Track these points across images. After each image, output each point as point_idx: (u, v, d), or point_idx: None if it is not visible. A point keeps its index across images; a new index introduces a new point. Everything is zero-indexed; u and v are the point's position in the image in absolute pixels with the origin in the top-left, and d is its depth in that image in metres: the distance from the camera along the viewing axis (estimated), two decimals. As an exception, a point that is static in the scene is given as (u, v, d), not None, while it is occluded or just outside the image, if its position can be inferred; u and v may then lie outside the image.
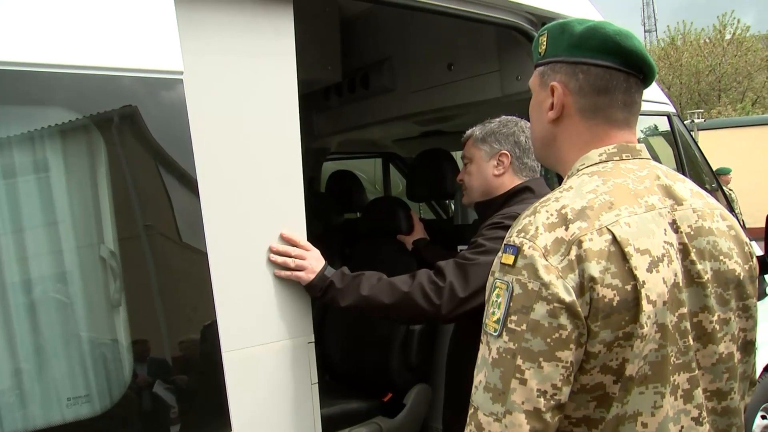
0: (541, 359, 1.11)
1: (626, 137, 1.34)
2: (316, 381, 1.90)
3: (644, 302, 1.13)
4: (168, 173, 1.47)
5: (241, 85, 1.73)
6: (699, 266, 1.24)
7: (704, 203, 1.32)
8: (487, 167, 2.31)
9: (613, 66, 1.29)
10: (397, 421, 3.03)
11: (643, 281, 1.14)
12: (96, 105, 1.38)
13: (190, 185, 1.47)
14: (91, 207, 1.40)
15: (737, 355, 1.32)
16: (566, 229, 1.16)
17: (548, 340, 1.11)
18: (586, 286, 1.12)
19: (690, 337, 1.22)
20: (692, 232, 1.26)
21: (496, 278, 1.19)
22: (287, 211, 1.84)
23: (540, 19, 2.58)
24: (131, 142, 1.44)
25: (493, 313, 1.17)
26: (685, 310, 1.21)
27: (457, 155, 3.93)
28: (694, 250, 1.24)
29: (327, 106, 3.89)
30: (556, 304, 1.11)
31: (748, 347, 1.36)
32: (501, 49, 2.99)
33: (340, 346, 3.27)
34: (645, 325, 1.13)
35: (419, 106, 3.54)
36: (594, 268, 1.12)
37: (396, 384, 3.11)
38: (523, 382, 1.11)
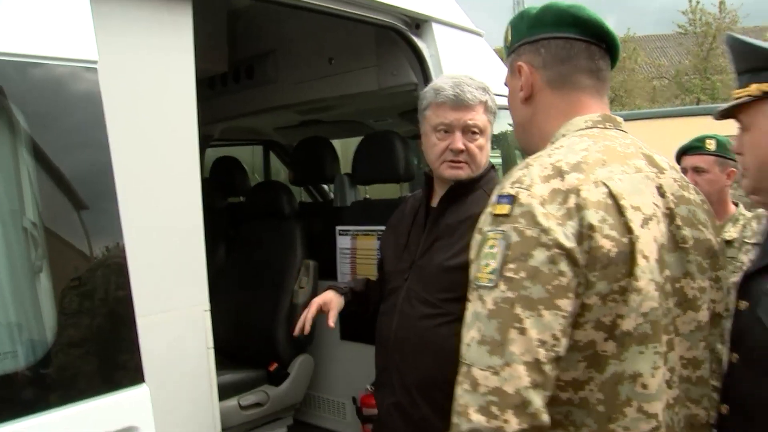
0: (541, 307, 1.08)
1: (602, 107, 1.37)
2: (212, 346, 2.08)
3: (639, 256, 1.13)
4: (85, 153, 1.61)
5: (142, 77, 1.86)
6: (684, 232, 1.25)
7: (680, 176, 1.35)
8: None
9: (572, 36, 1.34)
10: (282, 389, 3.26)
11: (638, 236, 1.14)
12: (16, 88, 1.50)
13: (105, 166, 1.61)
14: (14, 183, 1.53)
15: (708, 326, 1.30)
16: (562, 180, 1.15)
17: (548, 286, 1.08)
18: (585, 234, 1.11)
19: (670, 300, 1.21)
20: (675, 199, 1.27)
21: (487, 231, 1.16)
22: (186, 190, 1.99)
23: (414, 20, 2.85)
24: (50, 122, 1.57)
25: (486, 265, 1.13)
26: (669, 272, 1.21)
27: (337, 143, 4.18)
28: (678, 215, 1.25)
29: (212, 94, 4.00)
30: (555, 250, 1.09)
31: (715, 319, 1.33)
32: (378, 46, 3.22)
33: (228, 318, 3.43)
34: (640, 278, 1.13)
35: (301, 96, 3.72)
36: (593, 217, 1.12)
37: (281, 354, 3.33)
38: (523, 331, 1.07)
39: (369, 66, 3.29)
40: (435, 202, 2.17)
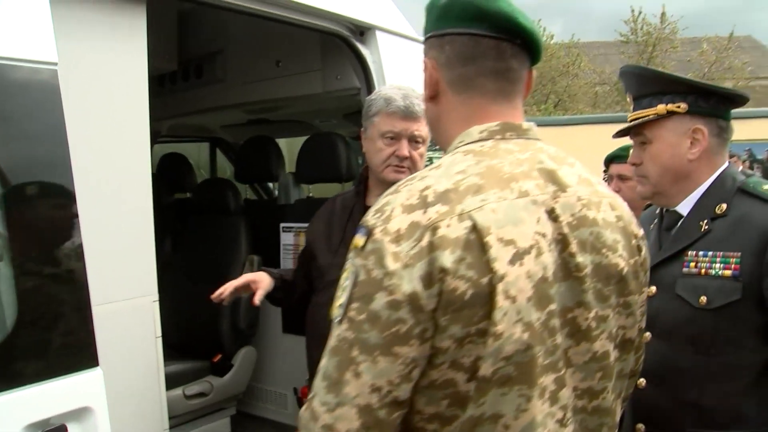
0: (377, 353, 1.03)
1: (508, 113, 1.22)
2: (160, 335, 2.19)
3: (500, 297, 1.03)
4: (45, 150, 1.71)
5: (97, 77, 1.96)
6: (578, 259, 1.14)
7: (592, 191, 1.21)
8: None
9: (479, 33, 1.18)
10: (226, 380, 3.38)
11: (503, 275, 1.03)
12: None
13: (65, 163, 1.71)
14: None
15: (613, 354, 1.22)
16: (424, 212, 1.05)
17: (385, 333, 1.02)
18: (435, 276, 1.02)
19: (558, 336, 1.12)
20: (574, 222, 1.15)
21: (349, 259, 1.10)
22: (137, 185, 2.09)
23: (358, 28, 2.99)
24: (12, 120, 1.66)
25: (339, 297, 1.09)
26: (554, 306, 1.10)
27: (283, 141, 4.29)
28: (575, 240, 1.14)
29: (161, 92, 4.05)
30: (397, 296, 1.02)
31: (626, 345, 1.26)
32: (324, 51, 3.35)
33: (173, 310, 3.51)
34: (500, 323, 1.03)
35: (248, 96, 3.82)
36: (447, 258, 1.02)
37: (225, 346, 3.45)
38: (358, 375, 1.03)
39: (314, 69, 3.41)
40: (371, 200, 2.34)
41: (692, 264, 1.70)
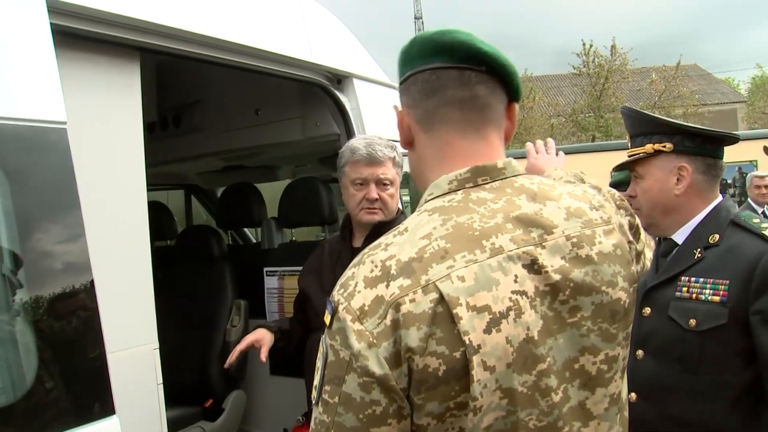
0: None
1: (479, 148, 1.15)
2: (161, 382, 2.24)
3: (478, 369, 0.96)
4: (57, 205, 1.78)
5: (97, 132, 2.05)
6: (572, 303, 1.07)
7: (583, 223, 1.13)
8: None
9: (440, 66, 1.13)
10: (218, 424, 3.40)
11: (478, 345, 0.97)
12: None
13: (77, 216, 1.79)
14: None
15: (624, 388, 1.18)
16: (387, 286, 0.99)
17: (361, 416, 0.97)
18: (402, 356, 0.96)
19: (554, 394, 1.04)
20: (567, 265, 1.07)
21: (323, 337, 1.05)
22: (137, 238, 2.15)
23: (336, 76, 3.12)
24: (27, 177, 1.73)
25: (315, 376, 1.06)
26: (544, 366, 1.03)
27: (265, 186, 4.36)
28: (571, 285, 1.06)
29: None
30: (365, 378, 0.96)
31: (624, 374, 1.20)
32: (303, 99, 3.46)
33: (162, 357, 3.53)
34: (480, 396, 0.97)
35: (227, 145, 3.90)
36: (413, 336, 0.96)
37: (215, 391, 3.48)
38: None
39: (294, 117, 3.52)
40: (357, 242, 2.53)
41: (684, 288, 1.83)
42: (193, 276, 3.81)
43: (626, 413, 1.21)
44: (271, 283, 3.69)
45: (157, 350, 2.22)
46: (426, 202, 1.14)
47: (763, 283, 1.70)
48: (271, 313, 3.66)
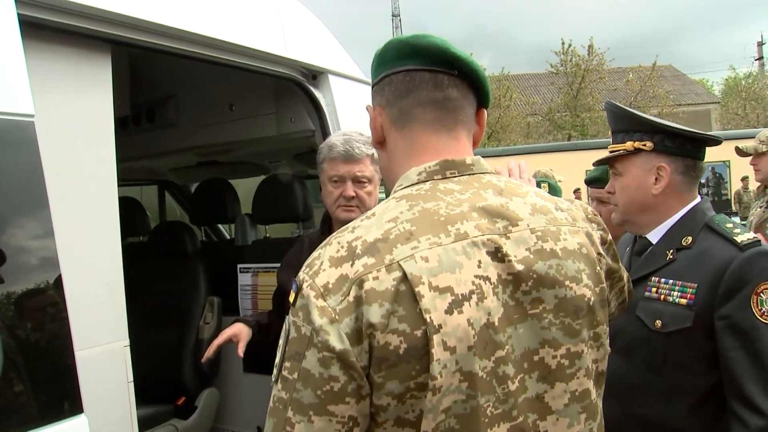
0: (311, 413, 0.99)
1: (449, 145, 1.19)
2: (132, 379, 2.21)
3: (438, 349, 0.98)
4: (24, 199, 1.74)
5: (66, 126, 2.02)
6: (534, 295, 1.08)
7: (548, 219, 1.15)
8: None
9: (413, 68, 1.18)
10: (190, 422, 3.38)
11: (439, 325, 0.98)
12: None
13: (44, 212, 1.75)
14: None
15: (594, 391, 1.17)
16: (352, 265, 1.02)
17: (319, 392, 0.99)
18: (364, 332, 0.98)
19: (511, 383, 1.05)
20: (531, 256, 1.09)
21: (287, 316, 1.08)
22: (108, 232, 2.12)
23: (311, 72, 3.10)
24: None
25: (276, 356, 1.07)
26: (503, 353, 1.04)
27: (239, 183, 4.33)
28: (534, 276, 1.08)
29: (111, 137, 4.04)
30: (326, 353, 0.98)
31: (600, 379, 1.21)
32: (277, 95, 3.44)
33: (133, 354, 3.50)
34: (439, 376, 0.98)
35: (201, 140, 3.88)
36: (375, 313, 0.98)
37: (188, 388, 3.45)
38: None
39: (268, 113, 3.50)
40: None
41: (654, 289, 1.84)
42: (166, 272, 3.77)
43: (598, 419, 1.19)
44: (244, 279, 3.66)
45: (128, 347, 2.19)
46: (395, 192, 1.18)
47: (730, 288, 1.71)
48: (245, 310, 3.63)
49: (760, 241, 1.79)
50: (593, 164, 2.34)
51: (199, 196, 4.10)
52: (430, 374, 0.98)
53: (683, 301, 1.77)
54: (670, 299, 1.79)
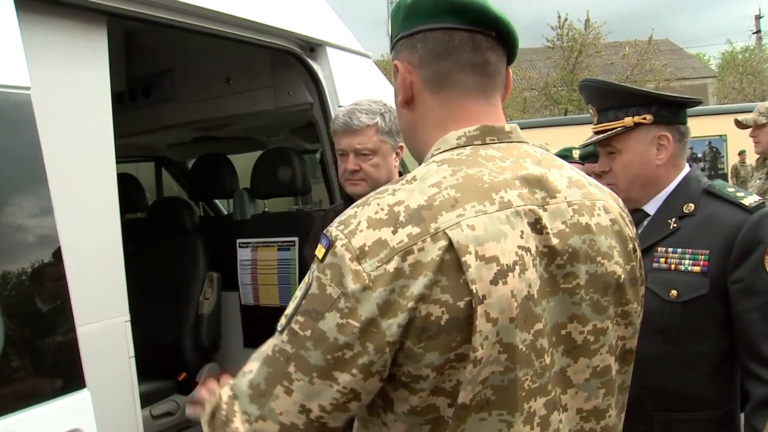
0: (315, 374, 0.96)
1: (488, 113, 1.14)
2: (133, 355, 2.21)
3: (481, 320, 0.95)
4: (23, 173, 1.72)
5: (63, 100, 1.99)
6: (568, 269, 1.06)
7: (583, 194, 1.13)
8: (394, 160, 2.45)
9: (451, 26, 1.11)
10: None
11: (483, 296, 0.95)
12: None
13: (43, 186, 1.73)
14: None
15: (615, 367, 1.15)
16: (394, 233, 0.97)
17: (329, 356, 0.95)
18: (401, 305, 0.94)
19: (547, 356, 1.04)
20: (567, 230, 1.07)
21: (312, 268, 1.02)
22: (105, 206, 2.10)
23: (308, 44, 3.06)
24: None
25: (289, 305, 1.03)
26: (540, 326, 1.02)
27: (237, 157, 4.31)
28: (569, 250, 1.06)
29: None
30: (350, 320, 0.94)
31: (627, 356, 1.20)
32: (275, 68, 3.40)
33: (133, 330, 3.50)
34: (480, 348, 0.95)
35: (198, 115, 3.83)
36: (418, 284, 0.94)
37: (188, 364, 3.45)
38: (289, 392, 0.98)
39: (266, 86, 3.46)
40: None
41: (662, 259, 1.83)
42: (165, 248, 3.77)
43: (615, 395, 1.17)
44: (244, 254, 3.65)
45: (129, 323, 2.18)
46: (433, 156, 1.12)
47: (743, 252, 1.71)
48: (244, 285, 3.62)
49: (765, 202, 1.79)
50: (581, 145, 2.27)
51: (197, 172, 4.07)
52: (472, 346, 0.95)
53: (696, 268, 1.76)
54: (682, 268, 1.79)
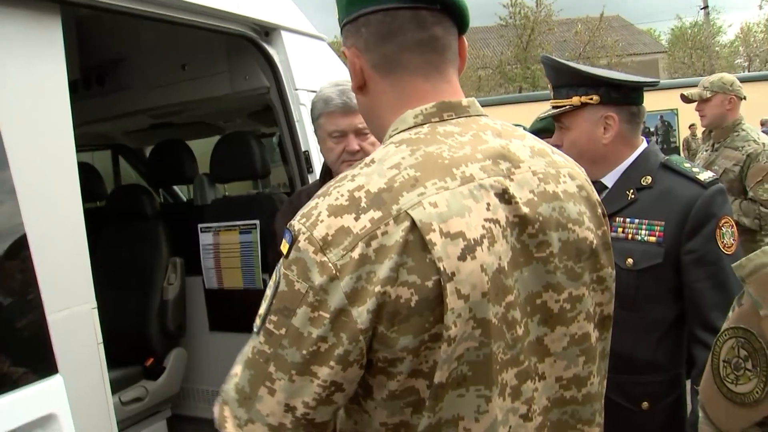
0: (293, 372, 0.96)
1: (443, 89, 1.12)
2: (101, 341, 2.22)
3: (452, 298, 0.94)
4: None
5: (21, 89, 1.99)
6: (540, 238, 1.06)
7: (547, 162, 1.12)
8: None
9: (392, 6, 1.08)
10: (160, 382, 3.41)
11: (452, 273, 0.94)
12: None
13: (6, 176, 1.74)
14: None
15: (594, 334, 1.15)
16: (356, 219, 0.95)
17: (304, 352, 0.95)
18: (369, 290, 0.93)
19: (519, 327, 1.03)
20: (535, 198, 1.06)
21: (278, 265, 1.01)
22: (67, 194, 2.12)
23: (263, 28, 3.07)
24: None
25: (261, 305, 1.02)
26: (512, 297, 1.02)
27: (194, 143, 4.30)
28: (540, 219, 1.06)
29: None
30: (321, 312, 0.94)
31: (605, 322, 1.20)
32: (230, 53, 3.41)
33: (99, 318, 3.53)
34: (453, 326, 0.94)
35: (154, 102, 3.82)
36: (384, 268, 0.93)
37: (155, 349, 3.48)
38: (272, 392, 0.97)
39: (222, 71, 3.46)
40: None
41: (620, 229, 1.91)
42: (127, 236, 3.77)
43: (597, 362, 1.17)
44: (206, 239, 3.67)
45: (95, 310, 2.20)
46: (391, 137, 1.11)
47: (697, 224, 1.80)
48: (207, 269, 3.65)
49: (718, 179, 1.88)
50: (536, 120, 2.34)
51: (156, 158, 4.07)
52: (444, 324, 0.94)
53: (652, 238, 1.85)
54: (639, 238, 1.87)
